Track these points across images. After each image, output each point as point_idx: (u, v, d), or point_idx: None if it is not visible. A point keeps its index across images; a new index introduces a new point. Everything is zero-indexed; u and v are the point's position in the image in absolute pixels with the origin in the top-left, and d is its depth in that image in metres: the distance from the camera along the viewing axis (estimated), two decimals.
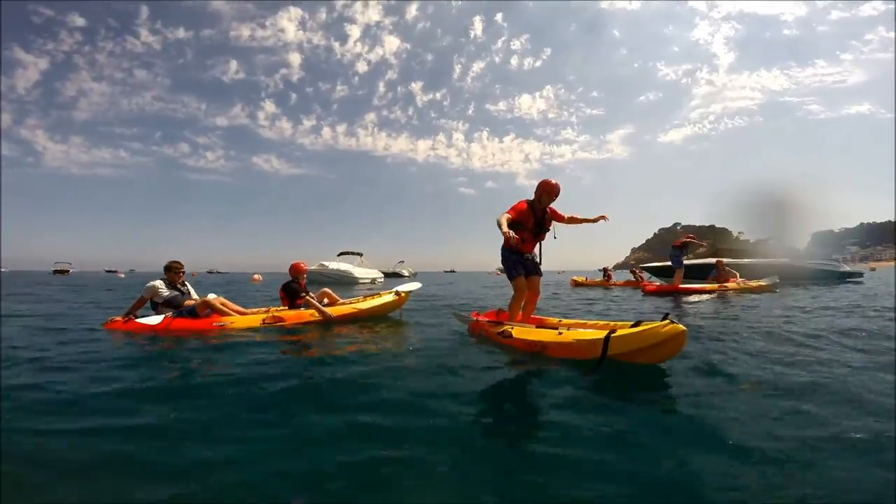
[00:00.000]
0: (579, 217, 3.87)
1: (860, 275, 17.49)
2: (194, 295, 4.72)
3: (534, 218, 3.66)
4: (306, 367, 2.86)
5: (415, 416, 1.90)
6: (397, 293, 5.19)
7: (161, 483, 1.40)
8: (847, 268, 17.52)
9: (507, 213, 3.53)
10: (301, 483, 1.41)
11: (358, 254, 25.94)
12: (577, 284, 16.77)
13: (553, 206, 3.76)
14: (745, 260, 14.42)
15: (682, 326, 2.47)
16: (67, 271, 52.32)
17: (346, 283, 22.05)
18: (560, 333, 3.07)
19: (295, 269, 5.09)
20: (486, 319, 4.08)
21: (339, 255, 25.26)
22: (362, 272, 24.11)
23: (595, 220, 3.87)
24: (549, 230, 3.81)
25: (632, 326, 2.77)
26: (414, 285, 5.59)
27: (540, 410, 2.08)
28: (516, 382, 2.55)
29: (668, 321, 2.52)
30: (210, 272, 76.03)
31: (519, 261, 3.74)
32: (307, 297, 4.89)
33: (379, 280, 25.33)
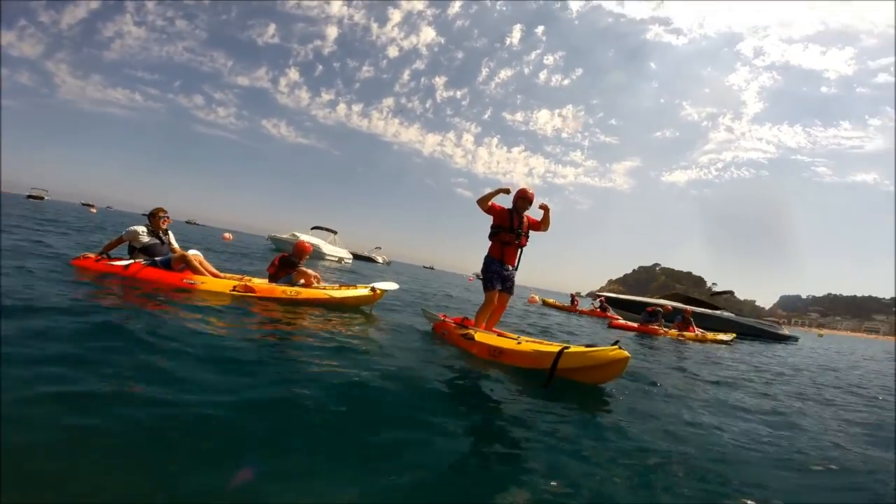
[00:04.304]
0: (544, 218, 4.26)
1: (795, 339, 19.47)
2: (175, 245, 4.92)
3: (511, 223, 4.15)
4: (261, 344, 3.03)
5: (359, 409, 2.06)
6: (373, 289, 5.38)
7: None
8: (785, 331, 19.44)
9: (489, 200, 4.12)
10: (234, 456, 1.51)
11: (332, 231, 26.17)
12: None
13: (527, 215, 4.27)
14: (691, 307, 15.50)
15: (626, 353, 2.90)
16: (42, 197, 51.96)
17: (313, 257, 22.27)
18: (519, 343, 3.49)
19: (299, 249, 5.53)
20: (453, 322, 4.45)
21: (312, 229, 25.34)
22: (331, 249, 24.49)
23: (545, 212, 4.22)
24: (527, 235, 4.25)
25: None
26: (391, 285, 5.83)
27: (492, 418, 2.30)
28: (473, 389, 2.84)
29: (616, 347, 2.94)
30: (188, 222, 75.27)
31: (499, 272, 4.16)
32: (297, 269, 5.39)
33: (347, 261, 25.66)
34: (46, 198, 54.76)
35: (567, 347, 3.06)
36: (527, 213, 4.26)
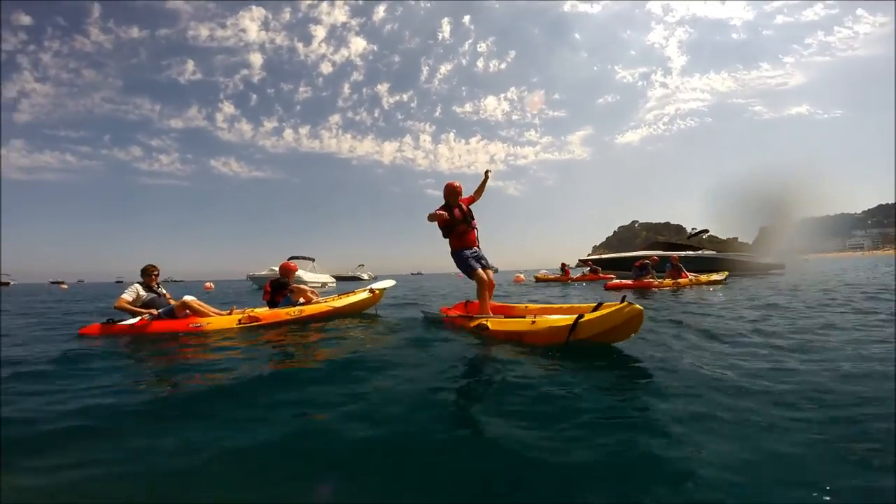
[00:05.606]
0: (479, 188, 4.76)
1: (782, 266, 20.46)
2: (169, 296, 5.11)
3: (454, 216, 4.42)
4: (282, 364, 3.17)
5: (393, 405, 2.07)
6: (371, 291, 5.78)
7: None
8: (769, 260, 20.54)
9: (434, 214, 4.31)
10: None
11: (310, 259, 26.10)
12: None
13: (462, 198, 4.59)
14: (674, 253, 16.23)
15: (639, 307, 2.89)
16: (8, 283, 50.68)
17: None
18: (533, 322, 3.43)
19: (285, 268, 5.83)
20: (458, 314, 4.58)
21: (288, 260, 25.15)
22: (312, 277, 24.39)
23: (486, 178, 4.74)
24: (473, 218, 4.56)
25: (594, 309, 3.15)
26: (388, 283, 6.15)
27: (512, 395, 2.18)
28: (490, 367, 2.84)
29: (626, 303, 2.93)
30: (165, 280, 73.94)
31: (472, 255, 4.44)
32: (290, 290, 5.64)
33: (330, 285, 25.64)
34: (12, 283, 53.49)
35: (581, 317, 3.07)
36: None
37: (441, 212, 4.32)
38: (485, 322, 3.88)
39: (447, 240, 4.57)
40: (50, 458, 1.67)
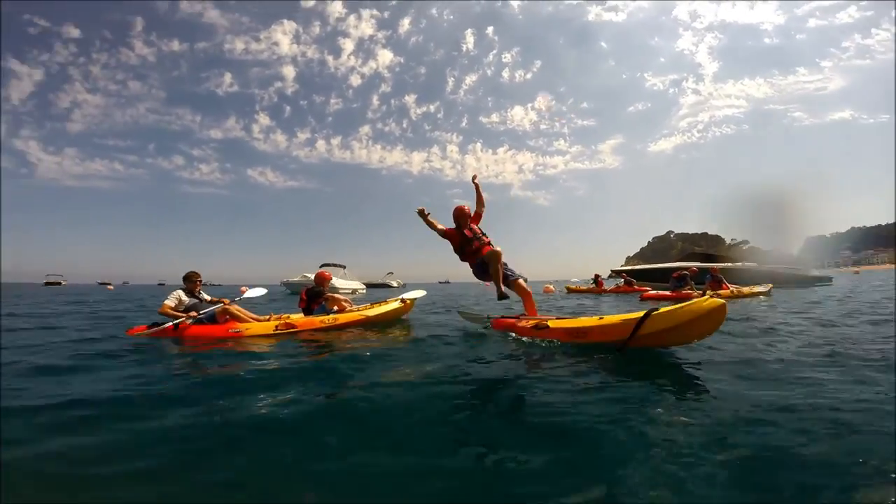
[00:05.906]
0: (476, 198, 4.76)
1: (829, 279, 19.90)
2: (209, 300, 5.32)
3: (464, 236, 4.51)
4: (320, 369, 3.17)
5: (433, 404, 2.17)
6: (403, 300, 5.87)
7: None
8: (816, 272, 19.92)
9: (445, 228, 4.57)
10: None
11: (341, 266, 26.69)
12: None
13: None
14: (720, 264, 15.63)
15: (721, 300, 2.60)
16: (59, 283, 54.75)
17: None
18: (601, 318, 3.27)
19: (320, 277, 5.97)
20: (514, 318, 4.38)
21: (320, 267, 25.78)
22: (343, 283, 24.92)
23: (476, 185, 4.73)
24: (485, 235, 4.60)
25: None
26: (419, 293, 6.24)
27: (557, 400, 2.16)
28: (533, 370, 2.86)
29: (707, 296, 2.69)
30: (203, 284, 78.58)
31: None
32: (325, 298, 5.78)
33: (361, 291, 26.10)
34: (64, 282, 57.15)
35: (655, 309, 2.83)
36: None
37: (449, 229, 4.50)
38: (544, 322, 3.69)
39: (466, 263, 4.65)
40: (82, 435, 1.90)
